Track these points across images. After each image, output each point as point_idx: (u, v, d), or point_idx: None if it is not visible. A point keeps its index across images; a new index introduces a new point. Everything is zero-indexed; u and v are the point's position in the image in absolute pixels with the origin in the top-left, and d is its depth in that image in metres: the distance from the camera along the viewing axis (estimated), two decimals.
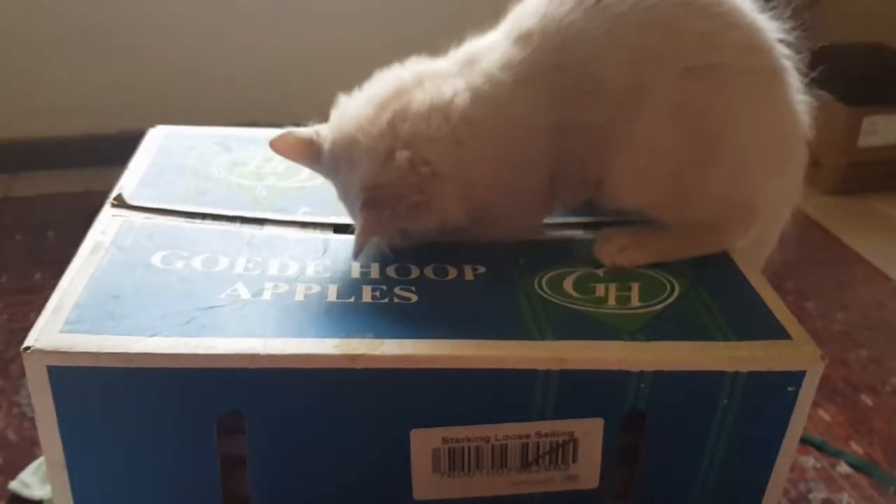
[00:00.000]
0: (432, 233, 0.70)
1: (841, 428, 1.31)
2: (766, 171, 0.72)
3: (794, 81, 0.72)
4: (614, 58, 0.67)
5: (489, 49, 0.71)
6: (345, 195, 0.71)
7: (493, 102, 0.68)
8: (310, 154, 0.72)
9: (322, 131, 0.71)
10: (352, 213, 0.70)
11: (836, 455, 1.24)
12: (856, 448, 1.26)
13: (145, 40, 1.93)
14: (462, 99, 0.68)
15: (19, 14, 1.85)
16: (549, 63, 0.68)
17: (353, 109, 0.70)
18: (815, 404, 1.34)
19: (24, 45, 1.88)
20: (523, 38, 0.69)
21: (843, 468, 1.22)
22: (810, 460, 1.23)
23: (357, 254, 0.67)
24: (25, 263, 1.66)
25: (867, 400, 1.36)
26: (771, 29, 0.70)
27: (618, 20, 0.66)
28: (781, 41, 0.71)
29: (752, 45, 0.69)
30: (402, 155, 0.66)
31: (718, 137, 0.68)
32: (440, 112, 0.67)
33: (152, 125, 1.72)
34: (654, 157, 0.67)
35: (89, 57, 1.92)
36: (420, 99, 0.68)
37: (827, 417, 1.33)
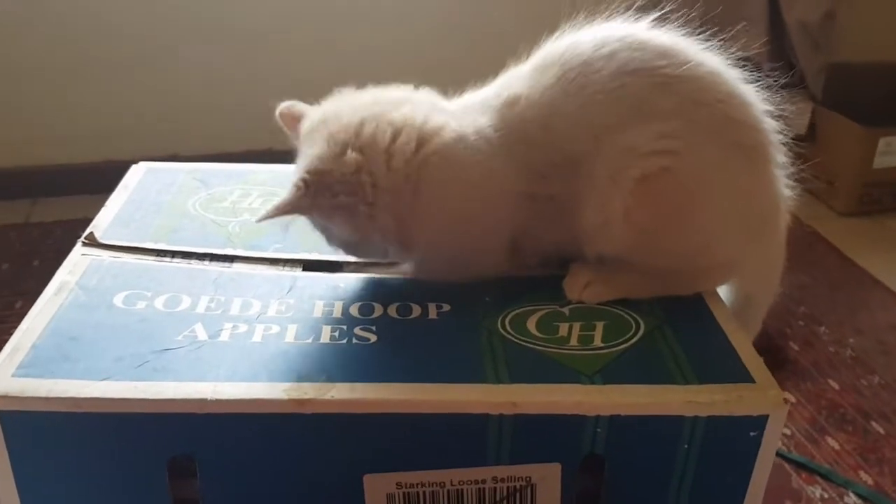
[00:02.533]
0: (355, 244, 0.70)
1: (850, 457, 1.27)
2: (741, 237, 0.71)
3: (775, 155, 0.72)
4: (581, 133, 0.68)
5: (482, 105, 0.72)
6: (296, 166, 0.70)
7: (473, 152, 0.69)
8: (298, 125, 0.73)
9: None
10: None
11: (845, 485, 1.21)
12: (865, 478, 1.23)
13: (163, 70, 1.96)
14: (446, 135, 0.68)
15: (39, 46, 1.89)
16: (530, 133, 0.69)
17: (346, 97, 0.72)
18: (824, 432, 1.31)
19: (44, 75, 1.92)
20: (511, 102, 0.70)
21: (852, 498, 1.19)
22: (818, 490, 1.20)
23: (262, 220, 0.66)
24: (41, 289, 1.69)
25: (878, 428, 1.33)
26: (755, 103, 0.71)
27: (588, 98, 0.68)
28: (768, 113, 0.71)
29: (724, 121, 0.69)
30: (352, 156, 0.66)
31: (682, 207, 0.68)
32: (412, 133, 0.68)
33: (170, 152, 1.74)
34: (619, 220, 0.68)
35: (107, 86, 1.95)
36: (402, 112, 0.69)
37: (836, 446, 1.29)
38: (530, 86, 0.70)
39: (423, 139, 0.68)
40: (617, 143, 0.67)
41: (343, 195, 0.66)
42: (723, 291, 0.76)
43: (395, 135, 0.67)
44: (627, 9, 0.74)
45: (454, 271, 0.71)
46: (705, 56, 0.71)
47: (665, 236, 0.68)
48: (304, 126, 0.71)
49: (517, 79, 0.72)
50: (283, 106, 0.75)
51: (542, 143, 0.69)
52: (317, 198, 0.65)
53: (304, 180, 0.65)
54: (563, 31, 0.73)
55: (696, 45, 0.71)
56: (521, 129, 0.69)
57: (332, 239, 0.71)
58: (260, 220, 0.66)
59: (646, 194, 0.67)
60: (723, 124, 0.68)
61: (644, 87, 0.67)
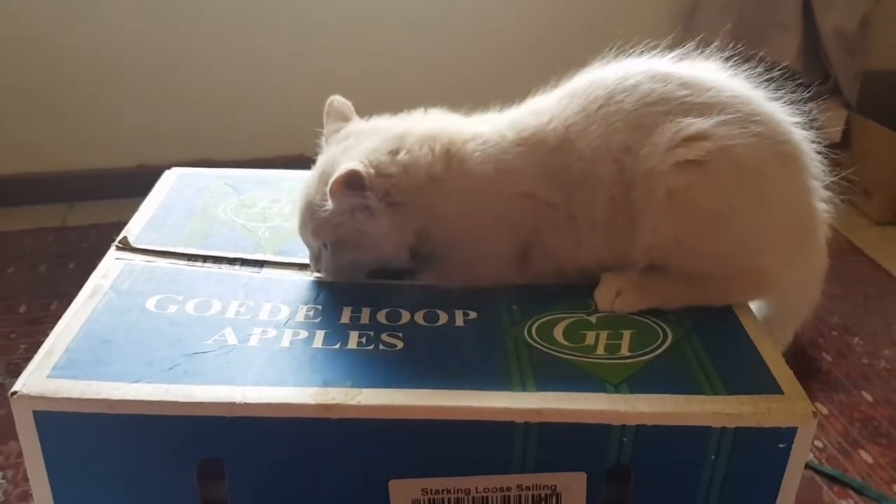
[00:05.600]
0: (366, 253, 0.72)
1: (883, 470, 1.25)
2: (778, 247, 0.72)
3: (809, 165, 0.72)
4: (602, 157, 0.70)
5: (506, 119, 0.75)
6: (342, 151, 0.73)
7: (489, 152, 0.71)
8: (348, 116, 0.79)
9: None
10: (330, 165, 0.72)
11: (878, 499, 1.19)
12: None
13: (196, 76, 1.98)
14: (462, 139, 0.72)
15: (75, 52, 1.91)
16: (551, 154, 0.71)
17: (384, 119, 0.77)
18: (857, 445, 1.29)
19: (81, 81, 1.95)
20: (535, 113, 0.74)
21: None
22: (850, 503, 1.19)
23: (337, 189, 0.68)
24: (76, 291, 1.71)
25: None
26: (783, 118, 0.71)
27: (610, 126, 0.70)
28: (797, 125, 0.72)
29: (751, 132, 0.68)
30: (402, 158, 0.70)
31: (713, 219, 0.68)
32: (440, 144, 0.71)
33: (202, 157, 1.76)
34: (652, 232, 0.69)
35: (142, 92, 1.98)
36: (426, 126, 0.73)
37: (869, 459, 1.27)
38: (556, 112, 0.73)
39: (444, 148, 0.71)
40: (639, 163, 0.69)
41: (395, 193, 0.69)
42: (759, 302, 0.75)
43: (423, 146, 0.71)
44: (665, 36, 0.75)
45: (468, 274, 0.72)
46: (728, 81, 0.72)
47: (701, 241, 0.69)
48: (346, 128, 0.76)
49: (544, 104, 0.75)
50: (339, 98, 0.80)
51: (563, 164, 0.71)
52: (374, 186, 0.68)
53: (362, 163, 0.68)
54: (592, 65, 0.75)
55: (718, 72, 0.72)
56: (542, 147, 0.72)
57: (343, 256, 0.73)
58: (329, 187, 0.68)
59: (676, 207, 0.67)
60: (750, 135, 0.68)
61: (665, 113, 0.69)
